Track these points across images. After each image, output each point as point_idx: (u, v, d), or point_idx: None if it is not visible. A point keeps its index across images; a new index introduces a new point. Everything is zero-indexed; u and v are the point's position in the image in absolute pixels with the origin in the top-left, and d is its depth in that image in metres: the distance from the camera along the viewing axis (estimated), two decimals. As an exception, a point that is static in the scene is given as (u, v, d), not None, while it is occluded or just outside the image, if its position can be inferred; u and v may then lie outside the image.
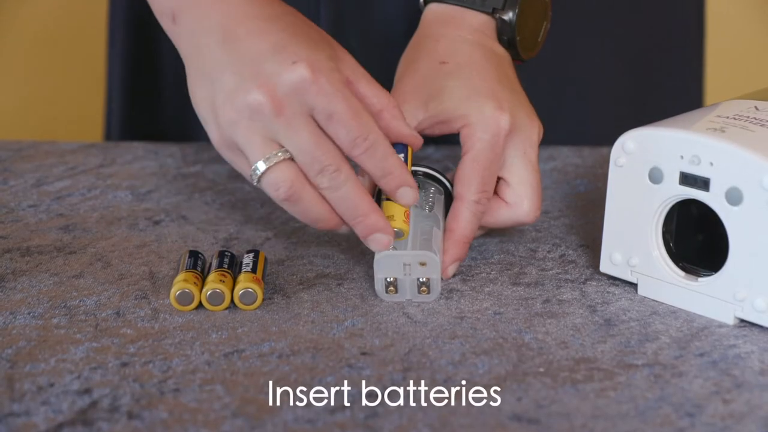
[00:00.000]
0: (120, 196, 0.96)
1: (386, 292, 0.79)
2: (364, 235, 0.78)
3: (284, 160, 0.76)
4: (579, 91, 1.12)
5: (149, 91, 1.14)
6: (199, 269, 0.80)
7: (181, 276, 0.78)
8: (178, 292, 0.77)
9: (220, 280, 0.78)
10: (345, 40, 1.06)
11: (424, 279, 0.78)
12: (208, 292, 0.77)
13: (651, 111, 0.83)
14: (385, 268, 0.78)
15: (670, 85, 1.15)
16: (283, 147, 0.76)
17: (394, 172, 0.77)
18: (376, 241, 0.78)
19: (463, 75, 0.84)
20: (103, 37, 1.85)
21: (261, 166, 0.76)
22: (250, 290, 0.77)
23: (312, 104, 0.75)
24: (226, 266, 0.80)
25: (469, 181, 0.82)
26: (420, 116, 0.84)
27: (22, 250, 0.86)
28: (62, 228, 0.90)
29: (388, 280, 0.79)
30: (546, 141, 1.06)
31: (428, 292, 0.79)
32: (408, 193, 0.78)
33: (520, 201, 0.83)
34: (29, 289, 0.80)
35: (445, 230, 0.82)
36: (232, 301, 0.78)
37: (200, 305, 0.78)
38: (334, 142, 0.76)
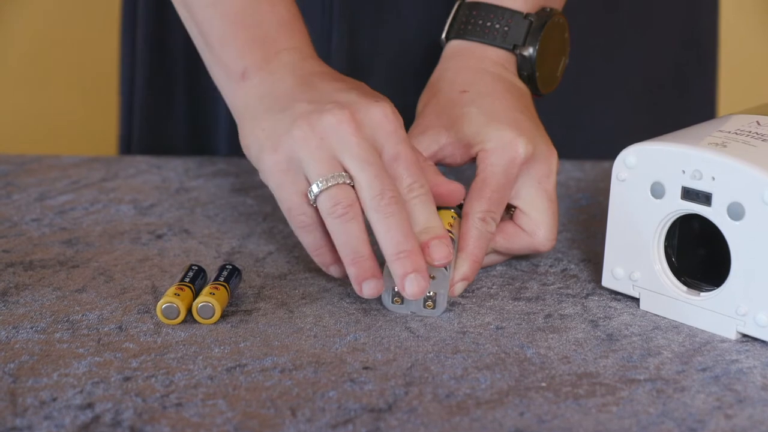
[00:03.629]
0: (123, 210, 0.97)
1: (392, 302, 0.79)
2: (403, 274, 0.76)
3: (346, 183, 0.77)
4: (592, 110, 1.12)
5: (163, 106, 1.14)
6: (188, 281, 0.80)
7: (170, 290, 0.78)
8: (163, 306, 0.77)
9: (210, 293, 0.78)
10: (358, 59, 1.07)
11: (431, 293, 0.79)
12: (199, 305, 0.77)
13: (663, 130, 0.83)
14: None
15: (683, 105, 1.15)
16: (347, 173, 0.77)
17: (434, 228, 0.77)
18: (411, 282, 0.76)
19: (484, 102, 0.85)
20: (108, 50, 1.86)
21: (324, 182, 0.77)
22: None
23: (384, 141, 0.78)
24: (222, 279, 0.80)
25: (476, 200, 0.82)
26: (442, 141, 0.85)
27: (24, 264, 0.86)
28: (65, 242, 0.90)
29: (396, 289, 0.79)
30: (563, 156, 1.06)
31: (433, 307, 0.79)
32: (439, 247, 0.77)
33: (536, 229, 0.84)
34: (32, 303, 0.80)
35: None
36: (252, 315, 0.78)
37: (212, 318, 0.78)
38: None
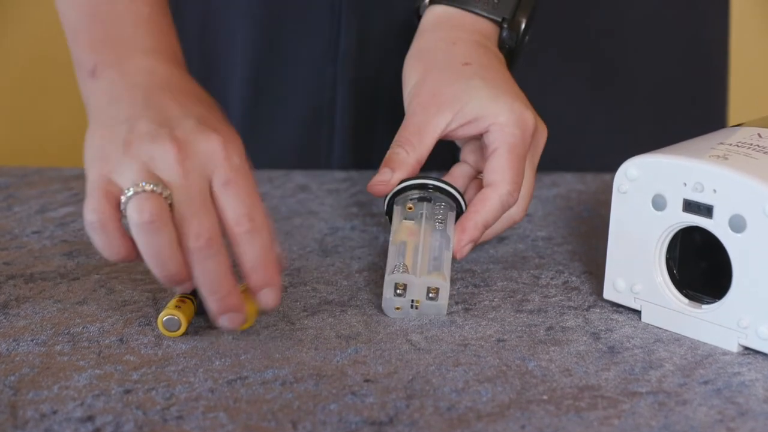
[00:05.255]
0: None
1: (394, 309, 0.80)
2: (217, 312, 0.74)
3: (160, 194, 0.72)
4: (594, 122, 1.13)
5: None
6: (189, 293, 0.80)
7: (171, 302, 0.78)
8: (164, 318, 0.77)
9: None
10: (366, 67, 1.07)
11: (433, 294, 0.79)
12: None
13: (668, 142, 0.83)
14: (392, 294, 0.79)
15: (691, 117, 1.15)
16: (164, 186, 0.73)
17: (265, 269, 0.74)
18: (229, 320, 0.74)
19: (487, 75, 0.85)
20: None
21: (135, 188, 0.72)
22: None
23: (213, 169, 0.73)
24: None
25: (504, 171, 0.83)
26: (448, 118, 0.84)
27: (25, 277, 0.86)
28: (66, 254, 0.90)
29: (398, 291, 0.79)
30: (564, 168, 1.06)
31: (437, 299, 0.79)
32: (270, 295, 0.74)
33: (518, 201, 0.85)
34: (33, 315, 0.80)
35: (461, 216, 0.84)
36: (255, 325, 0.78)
37: (205, 329, 0.78)
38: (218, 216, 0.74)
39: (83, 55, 0.80)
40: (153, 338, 0.77)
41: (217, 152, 0.74)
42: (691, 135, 0.84)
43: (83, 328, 0.79)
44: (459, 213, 0.84)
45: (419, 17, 0.92)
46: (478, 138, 0.87)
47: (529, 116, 0.84)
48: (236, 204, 0.73)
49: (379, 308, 0.81)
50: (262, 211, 0.74)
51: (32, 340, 0.77)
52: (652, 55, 1.13)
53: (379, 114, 1.09)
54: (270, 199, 1.01)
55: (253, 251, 0.73)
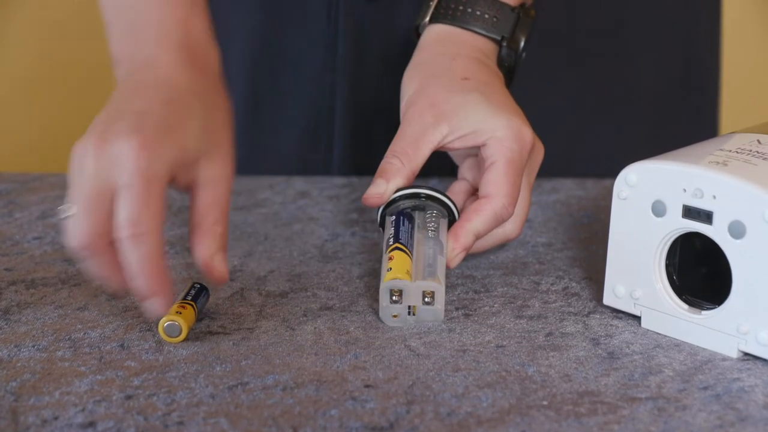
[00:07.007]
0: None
1: (391, 317, 0.80)
2: (143, 297, 0.75)
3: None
4: (594, 128, 1.13)
5: None
6: (190, 299, 0.80)
7: (172, 308, 0.78)
8: (165, 324, 0.77)
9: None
10: (363, 75, 1.07)
11: (429, 299, 0.79)
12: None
13: (665, 148, 0.83)
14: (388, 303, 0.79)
15: (685, 123, 1.16)
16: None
17: (146, 277, 0.73)
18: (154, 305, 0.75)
19: (486, 91, 0.86)
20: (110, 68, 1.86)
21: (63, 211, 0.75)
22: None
23: (118, 173, 0.73)
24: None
25: (500, 184, 0.83)
26: (445, 130, 0.84)
27: (26, 283, 0.86)
28: (67, 260, 0.90)
29: (394, 298, 0.79)
30: (564, 175, 1.06)
31: (433, 303, 0.79)
32: (153, 305, 0.75)
33: (514, 218, 0.85)
34: (34, 321, 0.80)
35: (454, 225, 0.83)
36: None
37: (204, 335, 0.78)
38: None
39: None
40: (154, 344, 0.77)
41: (125, 155, 0.73)
42: (687, 141, 0.84)
43: (84, 333, 0.79)
44: (452, 222, 0.84)
45: (418, 35, 0.92)
46: (475, 154, 0.87)
47: (528, 133, 0.84)
48: (123, 209, 0.73)
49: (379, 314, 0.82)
50: (152, 218, 0.73)
51: (33, 346, 0.77)
52: (648, 62, 1.13)
53: (378, 121, 1.09)
54: (270, 206, 1.01)
55: (132, 257, 0.73)
